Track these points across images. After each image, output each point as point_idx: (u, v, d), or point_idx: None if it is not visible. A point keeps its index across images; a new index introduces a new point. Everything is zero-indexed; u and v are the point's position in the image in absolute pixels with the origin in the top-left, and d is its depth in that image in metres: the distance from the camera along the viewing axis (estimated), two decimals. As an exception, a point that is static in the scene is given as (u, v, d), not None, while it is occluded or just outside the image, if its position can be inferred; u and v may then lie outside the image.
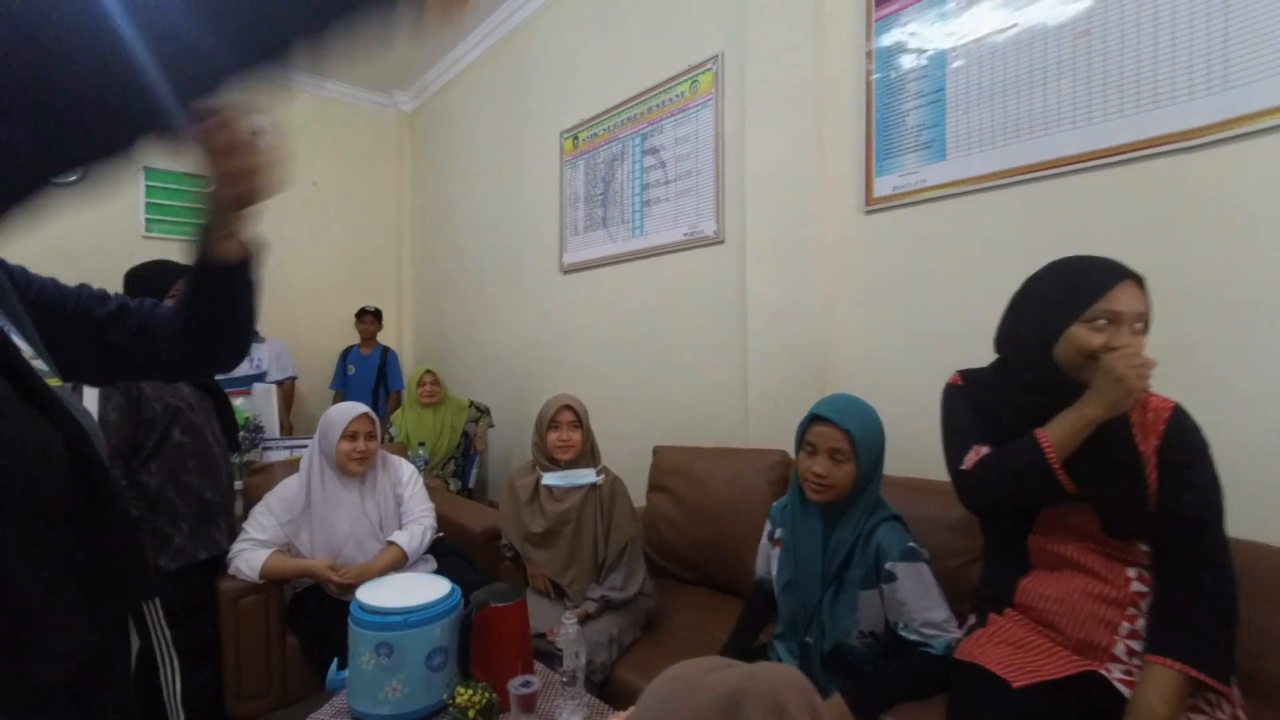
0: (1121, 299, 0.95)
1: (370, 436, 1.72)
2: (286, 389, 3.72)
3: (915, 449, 1.71)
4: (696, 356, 2.40)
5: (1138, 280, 0.98)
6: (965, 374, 1.21)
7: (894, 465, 1.66)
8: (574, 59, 2.99)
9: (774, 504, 1.39)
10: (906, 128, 1.74)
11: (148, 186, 3.65)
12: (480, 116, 3.74)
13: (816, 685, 1.14)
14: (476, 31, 3.60)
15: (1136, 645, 0.94)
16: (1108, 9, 1.38)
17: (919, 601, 1.12)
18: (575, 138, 2.97)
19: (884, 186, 1.80)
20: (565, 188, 3.04)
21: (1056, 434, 0.96)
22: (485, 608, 1.23)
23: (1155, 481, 0.96)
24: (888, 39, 1.78)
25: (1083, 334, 0.96)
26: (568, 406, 1.74)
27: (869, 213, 1.84)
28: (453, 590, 1.28)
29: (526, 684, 1.16)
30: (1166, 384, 1.33)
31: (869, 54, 1.81)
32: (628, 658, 1.53)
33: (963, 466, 1.07)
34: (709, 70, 2.31)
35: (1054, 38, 1.46)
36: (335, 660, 1.28)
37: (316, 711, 1.22)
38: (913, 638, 1.12)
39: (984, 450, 1.06)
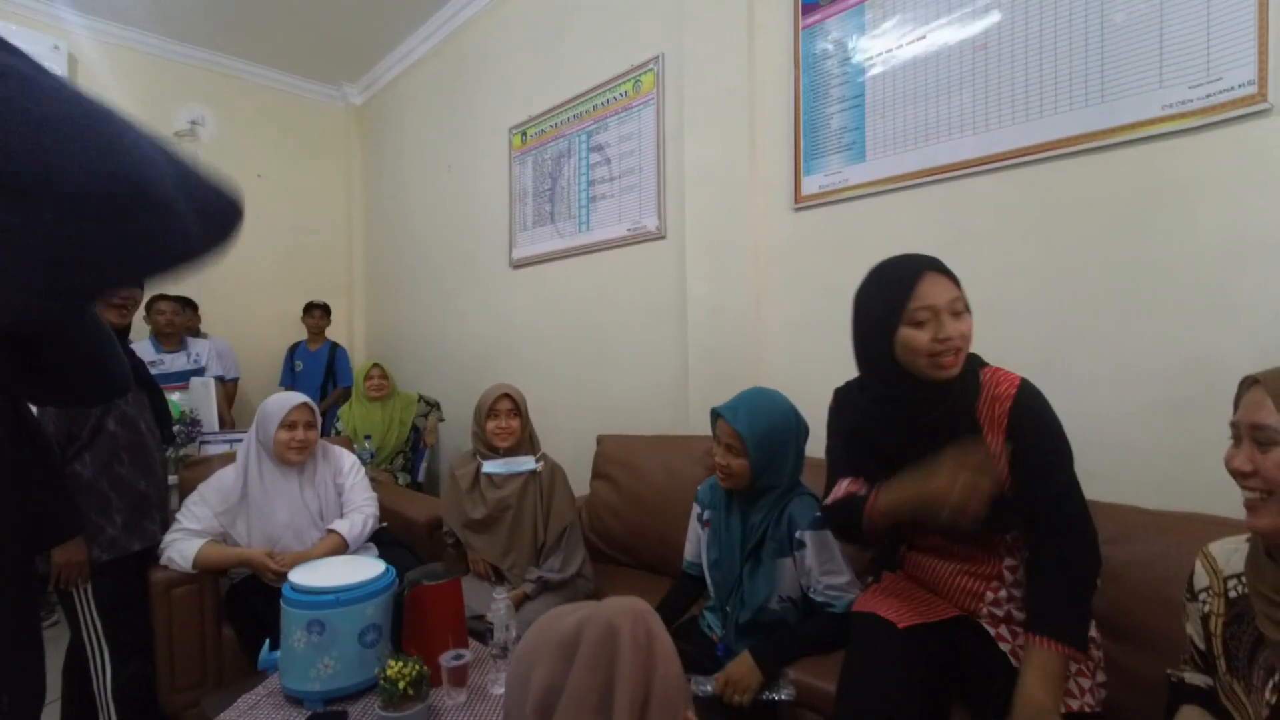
0: (929, 292, 0.99)
1: (309, 426, 1.73)
2: (229, 388, 3.63)
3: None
4: (641, 349, 2.47)
5: (938, 268, 1.03)
6: (838, 392, 1.26)
7: (816, 449, 1.78)
8: (521, 56, 3.02)
9: (700, 486, 1.46)
10: (831, 130, 1.85)
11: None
12: (429, 111, 3.73)
13: (734, 650, 1.23)
14: (425, 26, 3.59)
15: (1002, 602, 1.06)
16: (1001, 28, 1.51)
17: (823, 566, 1.21)
18: (524, 134, 3.01)
19: (811, 185, 1.90)
20: (514, 183, 3.07)
21: (888, 500, 1.02)
22: (418, 586, 1.27)
23: (1008, 477, 1.01)
24: (814, 46, 1.88)
25: (909, 335, 0.99)
26: (506, 395, 1.77)
27: (797, 210, 1.95)
28: (386, 570, 1.32)
29: (458, 657, 1.21)
30: (1045, 369, 1.47)
31: (796, 60, 1.92)
32: None
33: (825, 501, 1.17)
34: (650, 70, 2.38)
35: (956, 51, 1.58)
36: (267, 641, 1.30)
37: (249, 692, 1.25)
38: (819, 599, 1.21)
39: (844, 485, 1.13)
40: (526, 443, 1.81)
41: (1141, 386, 1.36)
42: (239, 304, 3.90)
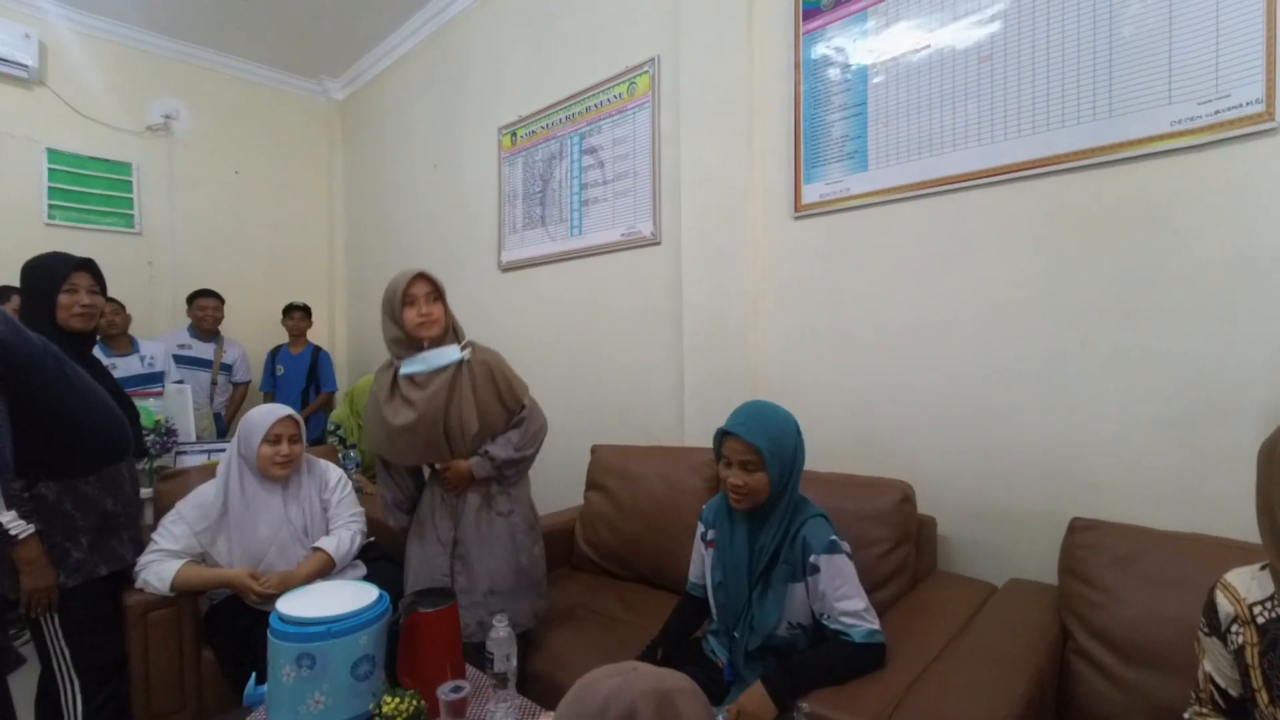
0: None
1: (295, 440, 1.66)
2: (240, 391, 3.59)
3: (835, 446, 1.81)
4: (634, 356, 2.43)
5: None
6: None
7: (814, 462, 1.75)
8: (512, 55, 2.96)
9: (705, 506, 1.42)
10: (832, 138, 1.82)
11: (50, 170, 3.37)
12: (415, 109, 3.64)
13: (742, 677, 1.19)
14: (411, 21, 3.50)
15: None
16: (1008, 37, 1.49)
17: (838, 591, 1.18)
18: (514, 134, 2.94)
19: (811, 194, 1.87)
20: (504, 185, 3.00)
21: None
22: (414, 613, 1.22)
23: None
24: (815, 52, 1.85)
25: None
26: (421, 276, 1.51)
27: (797, 218, 1.92)
28: (380, 597, 1.26)
29: (456, 689, 1.15)
30: (1047, 383, 1.46)
31: (797, 65, 1.88)
32: (547, 652, 1.56)
33: None
34: (646, 73, 2.34)
35: (960, 60, 1.56)
36: (254, 675, 1.23)
37: (233, 727, 1.18)
38: (833, 626, 1.18)
39: None
40: (450, 334, 1.56)
41: (1146, 401, 1.35)
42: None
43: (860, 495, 1.57)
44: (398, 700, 1.08)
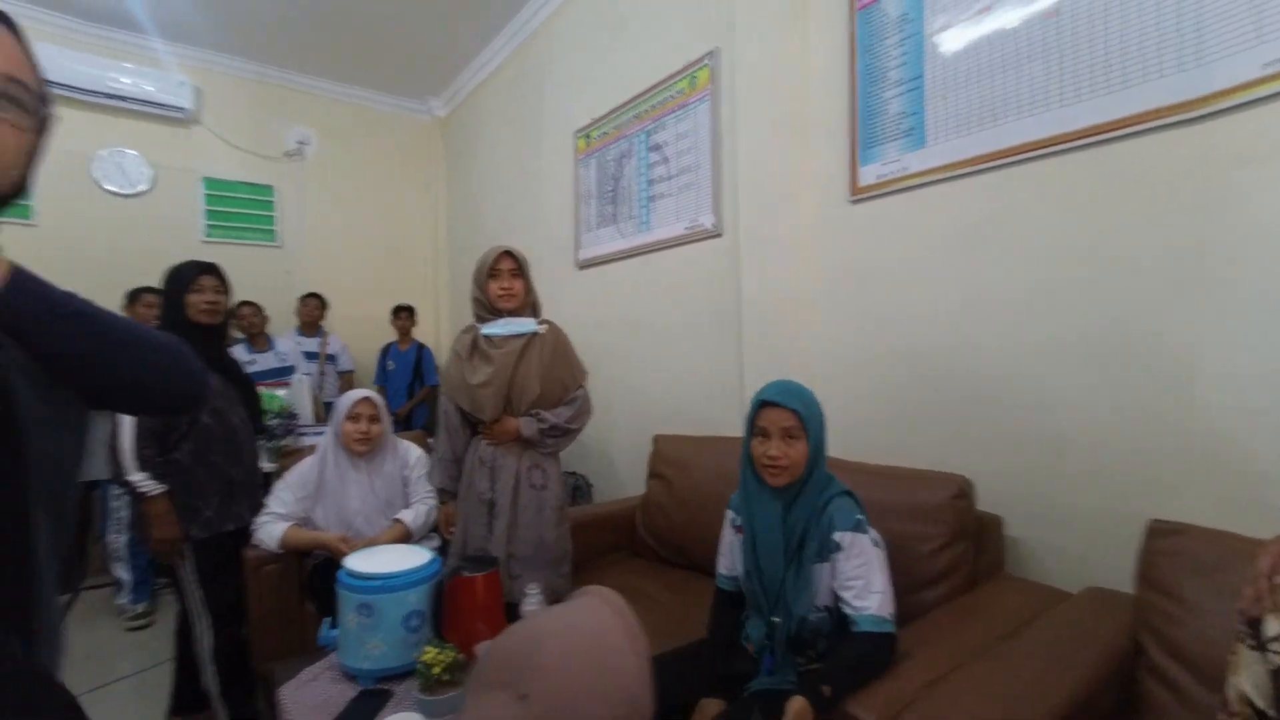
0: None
1: (373, 419, 1.86)
2: (348, 379, 3.99)
3: (888, 435, 1.74)
4: (699, 348, 2.45)
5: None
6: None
7: (868, 454, 1.69)
8: (585, 60, 3.08)
9: (732, 496, 1.43)
10: (888, 116, 1.74)
11: (207, 195, 3.97)
12: (503, 119, 3.88)
13: (782, 663, 1.18)
14: (499, 37, 3.74)
15: None
16: (1075, -11, 1.35)
17: (854, 571, 1.15)
18: (588, 136, 3.06)
19: (868, 176, 1.80)
20: (579, 185, 3.13)
21: None
22: (457, 575, 1.34)
23: None
24: (870, 28, 1.78)
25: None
26: (507, 253, 1.69)
27: (854, 202, 1.85)
28: (432, 559, 1.40)
29: (492, 647, 1.26)
30: (1127, 368, 1.32)
31: (852, 43, 1.82)
32: None
33: None
34: (705, 66, 2.35)
35: (1024, 21, 1.44)
36: (326, 620, 1.42)
37: (311, 665, 1.37)
38: (846, 610, 1.15)
39: None
40: (529, 308, 1.74)
41: (1234, 387, 1.18)
42: (339, 308, 4.20)
43: (910, 489, 1.50)
44: (437, 651, 1.20)
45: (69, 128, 3.50)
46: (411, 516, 1.88)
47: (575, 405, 1.73)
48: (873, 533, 1.21)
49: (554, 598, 1.69)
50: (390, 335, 4.20)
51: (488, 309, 1.71)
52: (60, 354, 0.55)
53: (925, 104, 1.65)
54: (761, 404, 1.26)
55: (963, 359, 1.62)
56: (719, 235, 2.35)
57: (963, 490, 1.45)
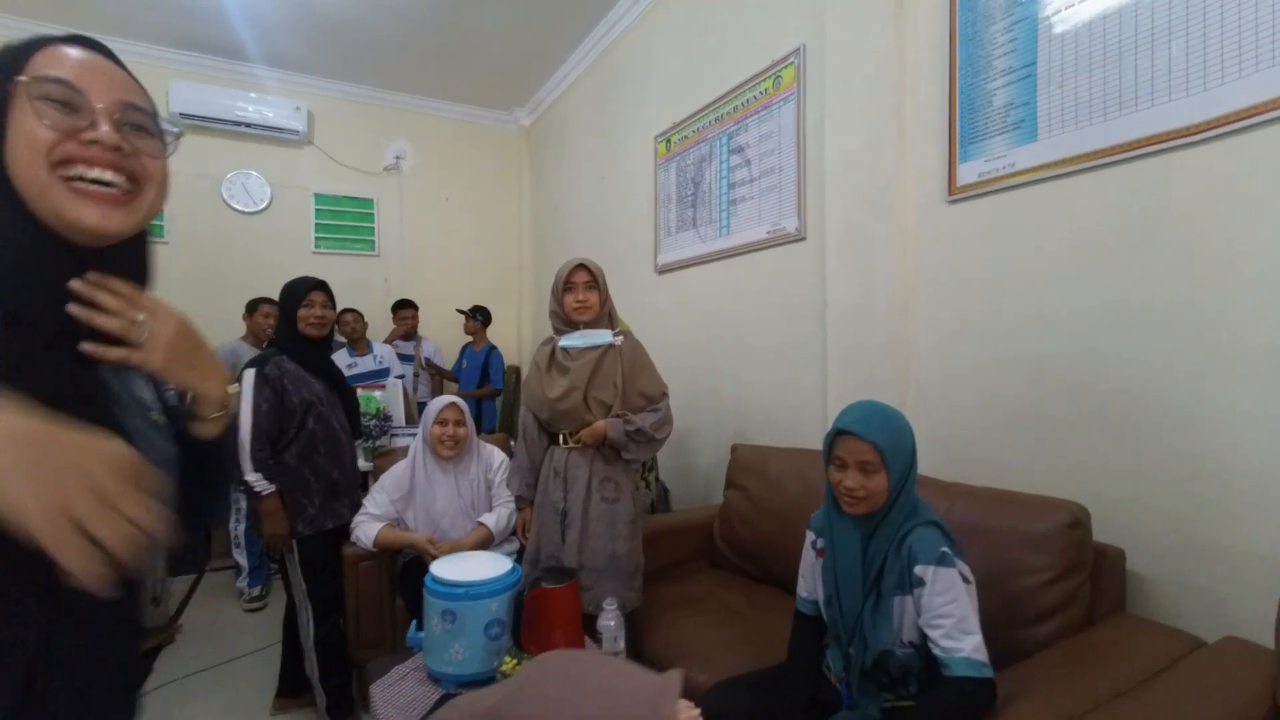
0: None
1: (459, 423, 1.93)
2: (437, 381, 4.19)
3: (995, 454, 1.61)
4: (779, 356, 2.37)
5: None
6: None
7: (969, 473, 1.57)
8: (666, 64, 3.06)
9: (813, 514, 1.36)
10: (993, 108, 1.60)
11: (317, 210, 4.30)
12: (585, 126, 3.93)
13: (861, 698, 1.12)
14: (582, 46, 3.79)
15: None
16: (1225, -46, 1.18)
17: (941, 609, 1.05)
18: (668, 141, 3.04)
19: (968, 174, 1.67)
20: (659, 190, 3.12)
21: None
22: (536, 587, 1.36)
23: None
24: (973, 13, 1.64)
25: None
26: (581, 266, 1.70)
27: (952, 202, 1.72)
28: (513, 569, 1.42)
29: (570, 660, 1.27)
30: (1271, 387, 1.13)
31: (952, 32, 1.69)
32: (661, 637, 1.60)
33: None
34: (791, 64, 2.27)
35: (1159, -6, 1.27)
36: (415, 621, 1.48)
37: (400, 665, 1.43)
38: (935, 651, 1.06)
39: None
40: (605, 319, 1.74)
41: None
42: (430, 312, 4.40)
43: (1019, 516, 1.37)
44: (516, 662, 1.22)
45: (204, 154, 3.92)
46: (494, 520, 1.94)
47: (660, 413, 1.73)
48: (962, 566, 1.11)
49: (626, 611, 1.69)
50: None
51: (564, 321, 1.73)
52: (201, 482, 0.67)
53: (1038, 93, 1.50)
54: (838, 433, 1.18)
55: (1087, 370, 1.46)
56: (802, 239, 2.26)
57: (1078, 519, 1.31)
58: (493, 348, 4.15)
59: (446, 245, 4.72)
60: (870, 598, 1.17)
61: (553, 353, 1.74)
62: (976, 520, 1.39)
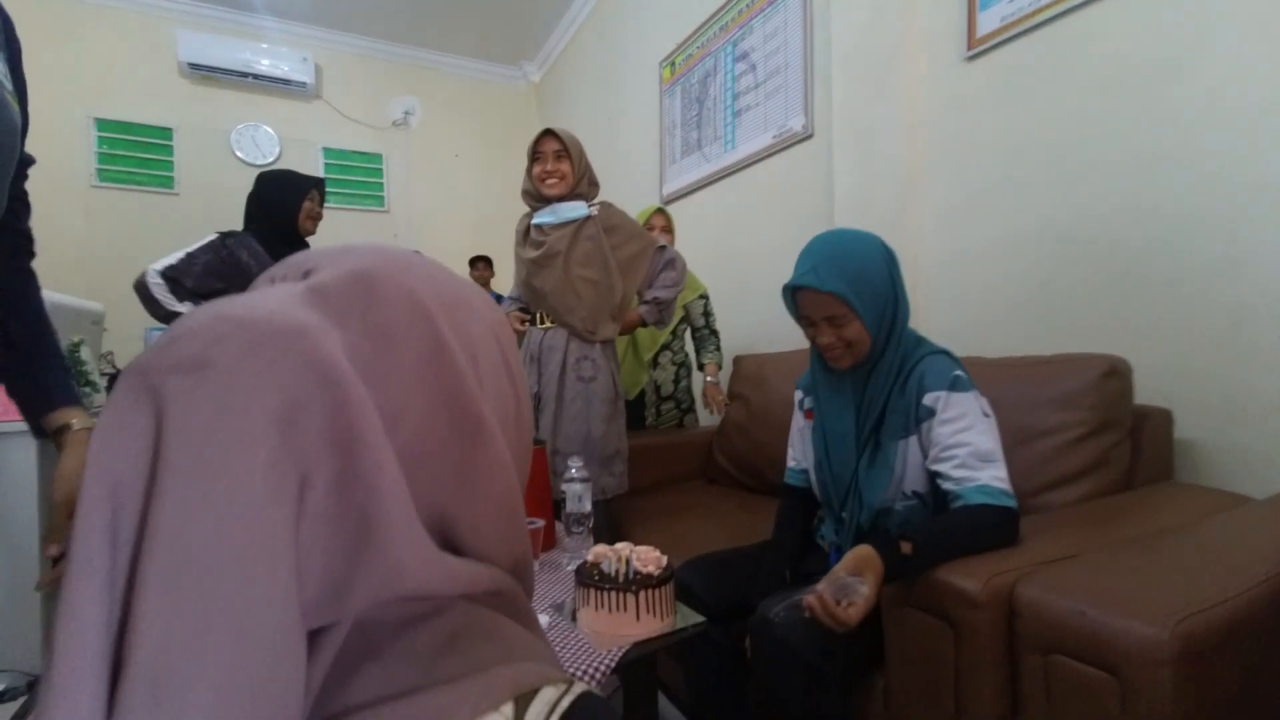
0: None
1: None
2: None
3: (1024, 328, 1.44)
4: (785, 266, 2.21)
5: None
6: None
7: (985, 346, 1.40)
8: (669, -16, 2.93)
9: (800, 377, 1.20)
10: (1016, -59, 1.43)
11: (325, 164, 4.26)
12: (592, 71, 3.82)
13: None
14: (585, -12, 3.68)
15: None
16: None
17: (952, 437, 0.89)
18: (673, 64, 2.91)
19: (989, 21, 1.50)
20: (664, 118, 2.99)
21: None
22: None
23: None
24: None
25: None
26: (549, 133, 1.56)
27: (970, 58, 1.55)
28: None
29: (532, 523, 1.15)
30: None
31: None
32: (641, 537, 1.47)
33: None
34: (796, -52, 2.11)
35: None
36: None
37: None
38: (945, 485, 0.90)
39: None
40: (585, 190, 1.59)
41: None
42: None
43: (1042, 376, 1.20)
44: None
45: (214, 105, 3.91)
46: None
47: (675, 265, 1.62)
48: (980, 398, 0.94)
49: (603, 497, 1.56)
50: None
51: (534, 196, 1.59)
52: None
53: (1065, -93, 1.32)
54: (788, 290, 1.01)
55: (1117, 226, 1.28)
56: (809, 137, 2.11)
57: (1115, 368, 1.13)
58: (501, 296, 4.06)
59: (455, 202, 4.66)
60: (866, 451, 1.02)
61: (527, 229, 1.61)
62: (1000, 391, 1.20)
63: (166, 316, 1.60)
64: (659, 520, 1.60)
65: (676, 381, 2.14)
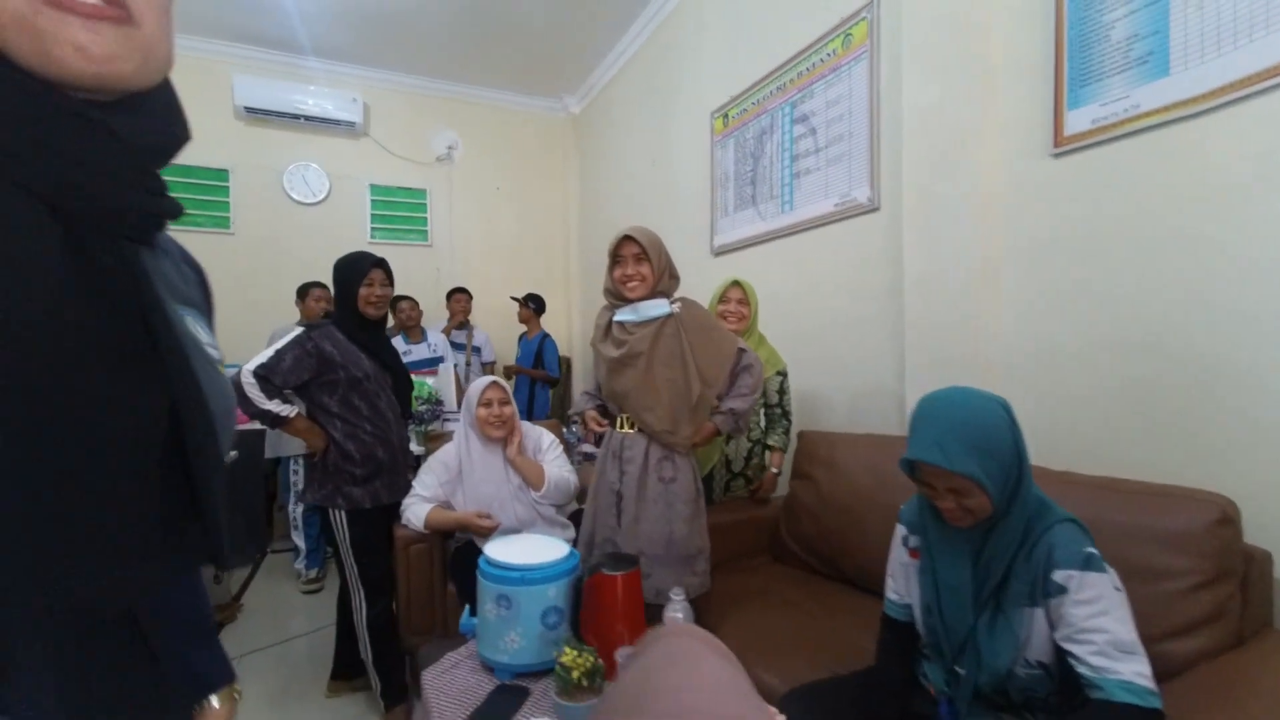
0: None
1: (504, 402, 1.86)
2: (489, 369, 4.15)
3: (1107, 445, 1.41)
4: (849, 337, 2.21)
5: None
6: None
7: (1075, 462, 1.38)
8: (722, 37, 2.92)
9: (904, 506, 1.18)
10: (1112, 43, 1.40)
11: (372, 200, 4.33)
12: (636, 109, 3.83)
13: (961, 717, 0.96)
14: (633, 27, 3.69)
15: None
16: None
17: (1088, 622, 0.88)
18: (725, 116, 2.90)
19: (1078, 121, 1.47)
20: (715, 168, 2.98)
21: None
22: (596, 573, 1.26)
23: None
24: (1085, -62, 1.45)
25: None
26: (628, 238, 1.56)
27: (1057, 155, 1.53)
28: (570, 553, 1.33)
29: (632, 653, 1.16)
30: None
31: (1059, -39, 1.50)
32: (719, 631, 1.47)
33: None
34: (863, 20, 2.10)
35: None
36: (467, 607, 1.40)
37: (453, 651, 1.36)
38: (1082, 670, 0.89)
39: None
40: (665, 285, 1.59)
41: None
42: (483, 300, 4.34)
43: (1149, 508, 1.18)
44: (576, 654, 1.11)
45: (267, 146, 4.01)
46: (552, 469, 1.89)
47: (752, 370, 1.61)
48: (1112, 574, 0.93)
49: (690, 597, 1.57)
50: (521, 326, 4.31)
51: (617, 297, 1.61)
52: None
53: (1170, 18, 1.30)
54: (907, 465, 1.00)
55: (1213, 344, 1.25)
56: (875, 210, 2.09)
57: (1227, 514, 1.11)
58: (546, 336, 4.08)
59: (496, 235, 4.71)
60: (986, 611, 1.00)
61: (609, 324, 1.64)
62: (1096, 514, 1.20)
63: (258, 414, 1.66)
64: (736, 614, 1.60)
65: (749, 459, 2.14)
